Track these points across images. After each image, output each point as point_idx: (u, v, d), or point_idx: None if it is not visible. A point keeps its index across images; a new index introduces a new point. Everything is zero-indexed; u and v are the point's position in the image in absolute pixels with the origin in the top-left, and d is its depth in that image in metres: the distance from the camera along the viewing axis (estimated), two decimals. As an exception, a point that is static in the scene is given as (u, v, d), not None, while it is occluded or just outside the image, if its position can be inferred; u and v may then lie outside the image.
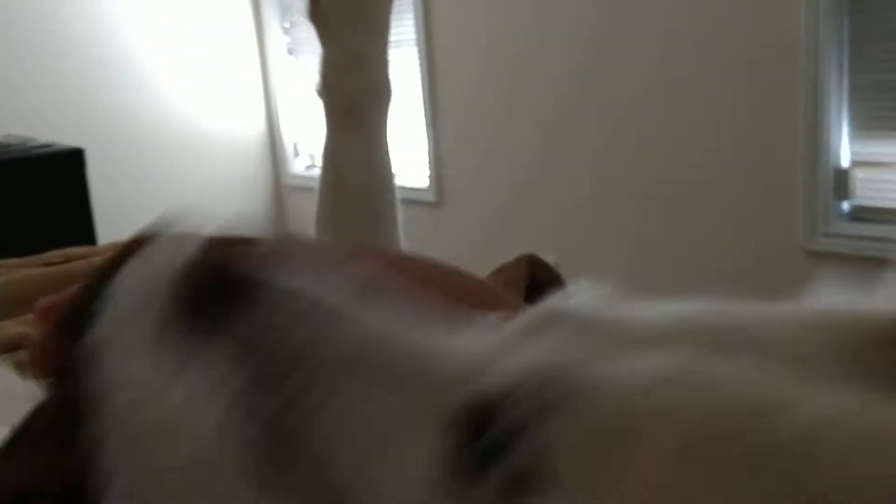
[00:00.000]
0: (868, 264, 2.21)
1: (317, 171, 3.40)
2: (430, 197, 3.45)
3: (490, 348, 0.27)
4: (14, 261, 1.55)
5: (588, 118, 2.82)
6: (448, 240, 3.42)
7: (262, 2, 4.08)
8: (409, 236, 3.53)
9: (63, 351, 0.27)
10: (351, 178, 0.74)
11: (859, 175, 2.30)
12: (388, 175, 0.77)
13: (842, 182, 2.30)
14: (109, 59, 3.49)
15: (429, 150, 3.41)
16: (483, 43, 3.12)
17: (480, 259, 1.18)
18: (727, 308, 0.29)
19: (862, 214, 2.31)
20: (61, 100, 3.46)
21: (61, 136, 3.21)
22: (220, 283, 0.27)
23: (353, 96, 0.72)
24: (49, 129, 3.27)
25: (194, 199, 3.53)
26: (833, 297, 0.30)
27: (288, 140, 4.17)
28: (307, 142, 4.13)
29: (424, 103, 3.39)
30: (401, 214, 0.81)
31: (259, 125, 4.18)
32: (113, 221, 3.20)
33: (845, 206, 2.33)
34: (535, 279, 1.17)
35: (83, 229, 2.94)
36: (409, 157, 3.57)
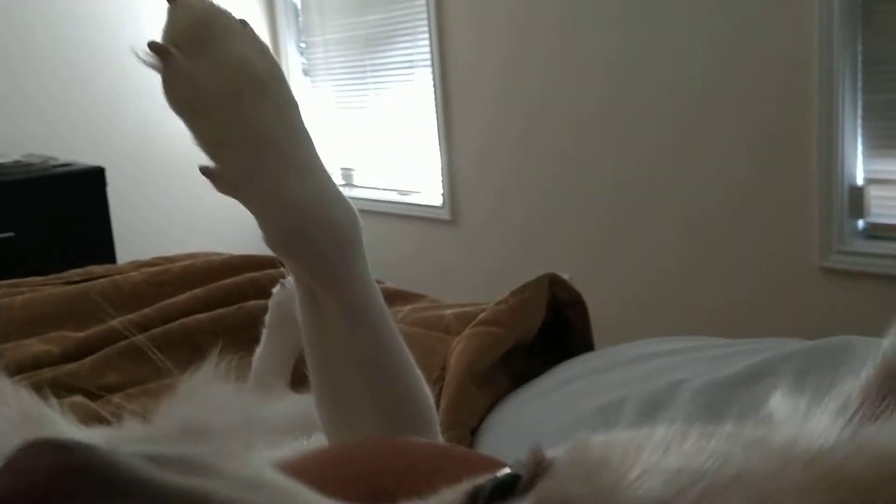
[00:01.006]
0: (884, 282, 2.21)
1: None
2: (445, 215, 3.47)
3: None
4: (37, 279, 1.59)
5: (607, 142, 2.83)
6: (462, 257, 3.43)
7: (279, 23, 4.14)
8: (424, 253, 3.58)
9: None
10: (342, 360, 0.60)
11: (874, 193, 2.29)
12: (394, 351, 0.61)
13: (857, 200, 2.30)
14: (130, 80, 3.55)
15: (442, 169, 3.44)
16: (497, 64, 3.14)
17: (494, 276, 1.19)
18: (727, 452, 0.28)
19: (877, 232, 2.31)
20: (82, 119, 3.51)
21: (82, 155, 3.26)
22: None
23: (314, 249, 0.58)
24: (70, 148, 3.33)
25: (210, 216, 3.57)
26: (837, 431, 0.30)
27: (304, 158, 4.21)
28: (323, 160, 4.16)
29: (438, 123, 3.41)
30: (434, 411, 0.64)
31: (275, 144, 4.22)
32: (132, 239, 3.24)
33: (860, 223, 2.32)
34: (557, 298, 1.18)
35: (103, 247, 2.98)
36: (423, 175, 3.60)
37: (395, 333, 0.62)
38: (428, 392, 0.63)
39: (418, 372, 0.63)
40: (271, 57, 0.59)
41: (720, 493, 0.25)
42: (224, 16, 0.57)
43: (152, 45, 0.55)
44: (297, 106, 0.61)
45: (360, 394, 0.60)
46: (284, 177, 0.57)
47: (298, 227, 0.58)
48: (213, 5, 0.57)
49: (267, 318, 1.04)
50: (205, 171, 0.58)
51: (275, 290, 0.91)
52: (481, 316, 1.12)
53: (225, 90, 0.55)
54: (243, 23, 0.59)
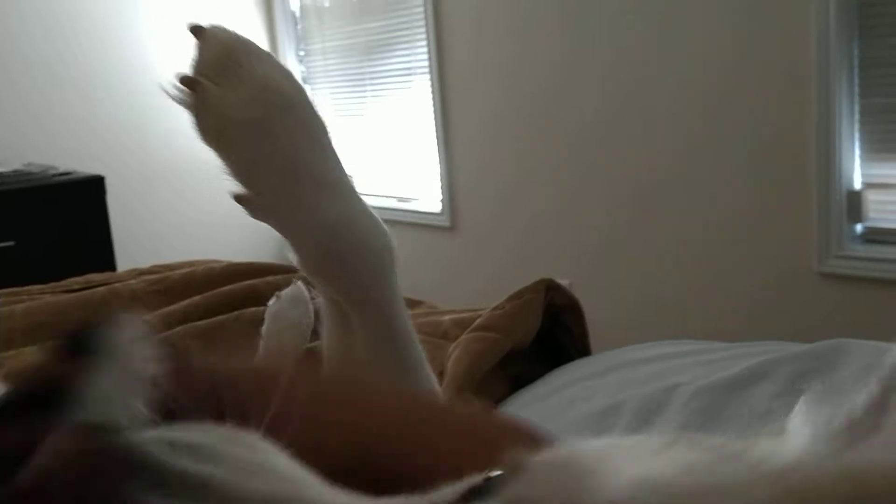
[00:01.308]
0: (883, 286, 2.21)
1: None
2: (444, 222, 3.47)
3: None
4: (35, 287, 1.59)
5: (607, 150, 2.84)
6: (461, 264, 3.44)
7: (278, 31, 4.16)
8: (424, 260, 3.58)
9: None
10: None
11: (872, 197, 2.30)
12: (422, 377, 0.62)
13: (855, 204, 2.31)
14: (130, 89, 3.56)
15: (441, 176, 3.44)
16: (495, 71, 3.16)
17: (494, 283, 1.20)
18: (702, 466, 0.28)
19: (875, 236, 2.31)
20: (82, 128, 3.52)
21: (81, 164, 3.27)
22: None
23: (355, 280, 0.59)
24: (70, 157, 3.34)
25: (210, 224, 3.58)
26: (816, 448, 0.31)
27: (303, 166, 4.22)
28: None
29: (437, 130, 3.42)
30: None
31: (275, 152, 4.24)
32: (132, 247, 3.25)
33: (858, 228, 2.33)
34: (554, 303, 1.19)
35: (103, 255, 2.99)
36: (423, 182, 3.60)
37: (422, 357, 0.63)
38: None
39: (439, 392, 0.63)
40: (296, 80, 0.60)
41: None
42: (249, 44, 0.58)
43: (184, 79, 0.55)
44: (325, 127, 0.61)
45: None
46: (316, 198, 0.58)
47: (331, 249, 0.58)
48: (237, 35, 0.58)
49: (263, 328, 1.05)
50: (238, 198, 0.58)
51: (270, 302, 0.92)
52: (478, 321, 1.12)
53: (253, 115, 0.56)
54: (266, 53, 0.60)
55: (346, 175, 0.62)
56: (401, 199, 3.76)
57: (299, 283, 0.87)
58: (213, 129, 0.57)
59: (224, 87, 0.56)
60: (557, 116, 2.96)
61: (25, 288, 1.59)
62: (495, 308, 1.13)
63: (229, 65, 0.56)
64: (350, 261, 0.59)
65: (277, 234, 0.61)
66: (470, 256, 3.40)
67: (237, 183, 0.58)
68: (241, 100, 0.56)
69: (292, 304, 0.86)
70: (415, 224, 3.63)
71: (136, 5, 3.64)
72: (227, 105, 0.56)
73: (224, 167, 0.58)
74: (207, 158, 0.60)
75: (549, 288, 1.16)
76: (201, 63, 0.57)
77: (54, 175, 3.07)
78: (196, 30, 0.57)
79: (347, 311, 0.60)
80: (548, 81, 2.96)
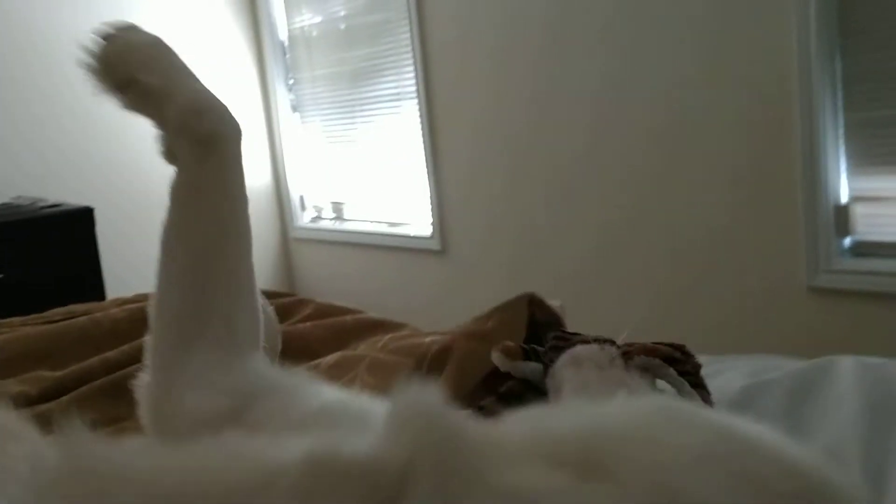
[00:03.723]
0: (872, 299, 2.20)
1: (323, 224, 3.45)
2: (435, 245, 3.47)
3: None
4: (16, 319, 1.57)
5: (592, 170, 2.84)
6: (452, 287, 3.42)
7: (267, 61, 4.18)
8: (414, 284, 3.55)
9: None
10: (211, 209, 0.78)
11: (859, 211, 2.30)
12: (243, 201, 0.82)
13: (842, 218, 2.31)
14: (117, 120, 3.57)
15: (431, 200, 3.44)
16: (484, 97, 3.17)
17: (485, 304, 1.19)
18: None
19: (863, 250, 2.31)
20: (69, 160, 3.52)
21: (70, 195, 3.27)
22: None
23: (212, 137, 0.78)
24: (59, 189, 3.33)
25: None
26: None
27: (294, 193, 4.22)
28: (313, 195, 4.18)
29: (425, 154, 3.43)
30: (251, 246, 0.83)
31: (266, 179, 4.24)
32: (122, 278, 3.23)
33: (846, 242, 2.33)
34: (535, 319, 1.17)
35: (93, 285, 2.97)
36: (413, 206, 3.60)
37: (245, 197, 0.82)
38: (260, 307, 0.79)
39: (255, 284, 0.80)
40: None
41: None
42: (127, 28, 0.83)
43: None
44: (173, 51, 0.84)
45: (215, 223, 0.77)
46: (186, 79, 0.81)
47: (194, 108, 0.78)
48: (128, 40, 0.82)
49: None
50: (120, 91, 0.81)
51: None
52: (464, 325, 1.11)
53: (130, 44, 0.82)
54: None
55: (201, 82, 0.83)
56: (391, 224, 3.76)
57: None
58: (109, 56, 0.80)
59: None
60: (544, 138, 2.96)
61: (5, 320, 1.57)
62: (477, 318, 1.13)
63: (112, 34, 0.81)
64: (217, 125, 0.78)
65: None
66: (461, 279, 3.39)
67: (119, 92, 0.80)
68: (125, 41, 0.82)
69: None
70: (405, 249, 3.63)
71: (125, 37, 3.66)
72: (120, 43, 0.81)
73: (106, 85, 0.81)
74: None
75: (531, 303, 1.15)
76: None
77: (43, 207, 3.06)
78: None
79: (197, 174, 0.78)
80: (536, 103, 2.97)
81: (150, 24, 0.91)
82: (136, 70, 0.80)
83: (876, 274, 2.23)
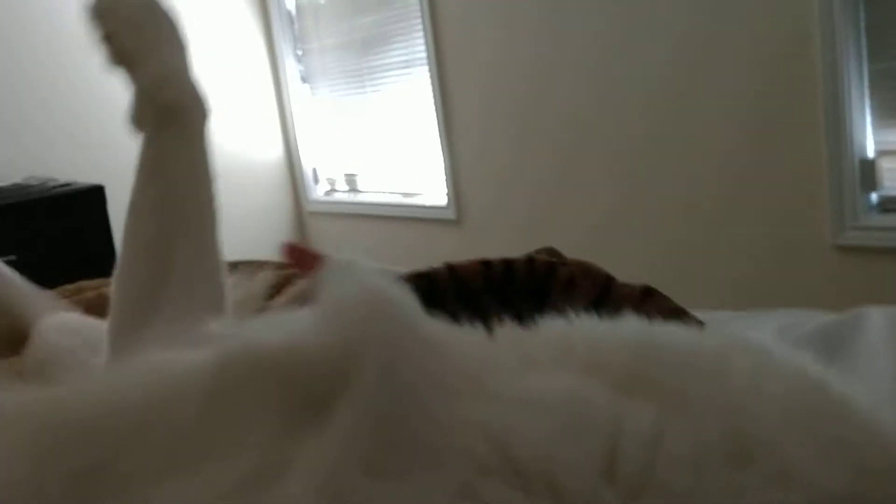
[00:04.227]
0: (901, 256, 2.14)
1: (337, 196, 3.41)
2: (450, 215, 3.42)
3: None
4: (24, 296, 1.55)
5: (604, 126, 2.78)
6: (469, 256, 3.38)
7: (275, 32, 4.12)
8: (431, 254, 3.52)
9: None
10: (173, 182, 0.77)
11: (886, 165, 2.22)
12: (207, 178, 0.80)
13: (868, 173, 2.23)
14: (125, 98, 3.54)
15: (445, 169, 3.39)
16: (493, 60, 3.10)
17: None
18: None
19: (891, 205, 2.23)
20: (80, 138, 3.50)
21: (81, 174, 3.25)
22: None
23: (174, 108, 0.77)
24: (69, 168, 3.32)
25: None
26: None
27: (307, 166, 4.18)
28: (326, 167, 4.13)
29: (438, 122, 3.37)
30: (219, 219, 0.81)
31: (277, 153, 4.20)
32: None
33: (873, 197, 2.25)
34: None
35: (105, 264, 2.95)
36: (427, 176, 3.55)
37: (211, 169, 0.81)
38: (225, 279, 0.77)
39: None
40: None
41: None
42: None
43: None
44: (175, 23, 0.82)
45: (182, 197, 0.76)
46: (163, 46, 0.79)
47: (172, 80, 0.78)
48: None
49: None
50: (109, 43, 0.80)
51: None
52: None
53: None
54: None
55: (184, 55, 0.82)
56: (406, 195, 3.71)
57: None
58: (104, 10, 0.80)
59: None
60: (558, 100, 2.90)
61: (13, 297, 1.55)
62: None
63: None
64: (173, 90, 0.78)
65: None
66: (478, 249, 3.34)
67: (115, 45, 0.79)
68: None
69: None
70: (421, 219, 3.58)
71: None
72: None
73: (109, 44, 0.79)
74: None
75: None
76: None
77: (54, 187, 3.05)
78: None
79: (157, 143, 0.79)
80: (545, 66, 2.90)
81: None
82: (118, 27, 0.79)
83: (905, 229, 2.16)
